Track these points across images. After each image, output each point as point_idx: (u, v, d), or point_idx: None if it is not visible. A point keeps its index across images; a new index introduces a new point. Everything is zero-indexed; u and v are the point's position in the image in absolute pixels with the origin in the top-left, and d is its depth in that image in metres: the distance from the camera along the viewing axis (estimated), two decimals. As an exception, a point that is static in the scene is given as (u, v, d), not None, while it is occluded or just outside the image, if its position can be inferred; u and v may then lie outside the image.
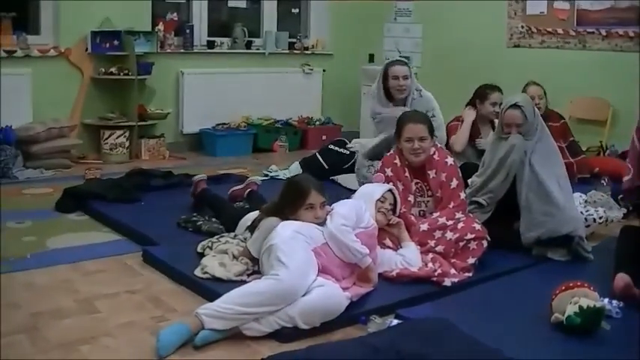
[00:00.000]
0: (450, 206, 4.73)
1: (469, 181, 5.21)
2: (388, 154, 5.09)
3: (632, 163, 4.58)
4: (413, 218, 4.74)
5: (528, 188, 4.90)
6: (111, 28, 7.93)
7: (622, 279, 4.04)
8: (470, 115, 6.48)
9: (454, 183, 4.80)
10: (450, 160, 4.91)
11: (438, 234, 4.57)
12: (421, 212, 4.88)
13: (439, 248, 4.52)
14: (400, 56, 8.58)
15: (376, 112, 6.25)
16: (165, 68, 8.41)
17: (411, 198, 4.84)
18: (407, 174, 4.86)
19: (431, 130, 4.88)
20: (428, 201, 4.87)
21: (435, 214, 4.72)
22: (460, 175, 4.92)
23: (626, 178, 4.59)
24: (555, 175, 4.99)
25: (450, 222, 4.59)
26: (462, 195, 4.83)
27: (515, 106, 5.01)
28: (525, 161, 4.92)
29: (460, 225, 4.56)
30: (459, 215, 4.65)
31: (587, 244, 4.89)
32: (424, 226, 4.62)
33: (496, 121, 6.15)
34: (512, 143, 4.94)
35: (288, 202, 4.16)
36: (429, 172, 4.85)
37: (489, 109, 6.38)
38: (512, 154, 4.93)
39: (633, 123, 7.12)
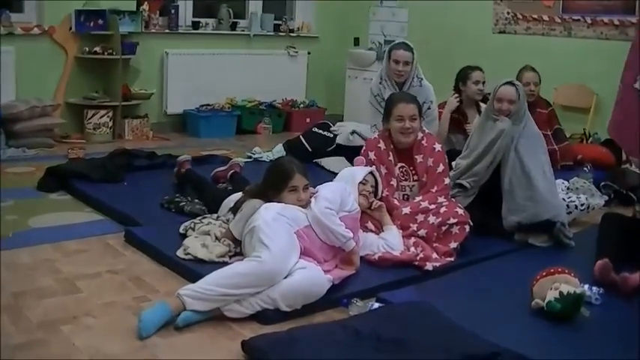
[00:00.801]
0: (433, 190, 4.75)
1: (453, 163, 5.23)
2: (372, 137, 5.11)
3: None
4: (396, 202, 4.76)
5: (512, 173, 4.92)
6: (95, 7, 7.88)
7: (599, 264, 4.09)
8: (450, 104, 6.48)
9: (440, 168, 4.82)
10: (437, 146, 4.93)
11: (420, 217, 4.59)
12: (405, 196, 4.89)
13: (421, 232, 4.54)
14: (386, 40, 8.59)
15: (381, 96, 6.16)
16: (149, 48, 8.37)
17: (394, 182, 4.85)
18: (391, 157, 4.88)
19: (420, 111, 4.91)
20: (413, 185, 4.89)
21: (418, 198, 4.74)
22: (447, 161, 4.94)
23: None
24: (540, 161, 5.01)
25: (433, 206, 4.61)
26: (447, 180, 4.85)
27: (510, 83, 5.06)
28: (511, 147, 4.93)
29: (443, 209, 4.57)
30: (441, 199, 4.66)
31: (569, 230, 4.92)
32: (406, 210, 4.64)
33: (482, 105, 6.19)
34: (502, 128, 4.95)
35: (272, 184, 4.16)
36: (416, 156, 4.87)
37: (473, 89, 6.37)
38: (500, 139, 4.94)
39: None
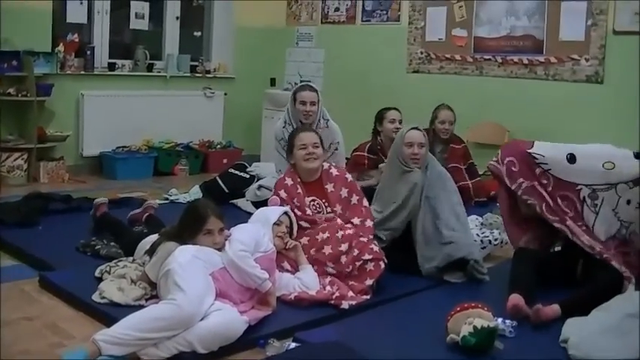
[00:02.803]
0: (356, 222, 4.82)
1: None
2: (279, 177, 5.17)
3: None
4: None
5: (425, 222, 5.01)
6: (9, 49, 7.79)
7: (511, 300, 4.19)
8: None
9: (355, 198, 4.93)
10: (349, 176, 5.04)
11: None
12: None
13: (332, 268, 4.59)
14: (302, 81, 8.69)
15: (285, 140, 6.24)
16: (65, 90, 8.31)
17: (309, 211, 4.89)
18: (299, 191, 4.92)
19: (322, 140, 5.02)
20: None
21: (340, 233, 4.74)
22: (359, 189, 5.05)
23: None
24: (450, 203, 5.11)
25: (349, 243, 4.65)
26: (365, 202, 4.95)
27: (415, 128, 5.16)
28: (422, 197, 5.04)
29: (358, 244, 4.62)
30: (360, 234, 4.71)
31: (484, 265, 5.00)
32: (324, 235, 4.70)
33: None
34: (415, 182, 5.03)
35: (187, 227, 4.17)
36: (326, 186, 4.94)
37: (389, 128, 6.47)
38: (413, 195, 5.02)
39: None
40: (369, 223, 4.82)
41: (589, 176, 4.68)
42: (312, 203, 4.93)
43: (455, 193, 5.23)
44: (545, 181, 4.75)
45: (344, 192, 4.95)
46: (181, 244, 4.04)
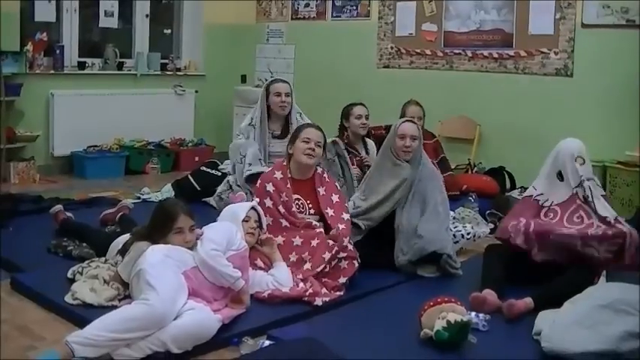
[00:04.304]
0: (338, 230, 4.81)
1: (350, 201, 5.29)
2: (268, 169, 5.17)
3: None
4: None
5: (407, 216, 5.06)
6: (-23, 49, 7.75)
7: (482, 294, 4.23)
8: None
9: (340, 207, 4.95)
10: (338, 184, 5.12)
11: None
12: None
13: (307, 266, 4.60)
14: (272, 77, 8.66)
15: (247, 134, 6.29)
16: (34, 89, 8.24)
17: (294, 209, 4.91)
18: (289, 186, 4.94)
19: (325, 143, 5.08)
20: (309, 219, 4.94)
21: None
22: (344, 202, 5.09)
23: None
24: (435, 201, 5.13)
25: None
26: (347, 217, 4.95)
27: (410, 120, 5.24)
28: (411, 192, 5.09)
29: (332, 242, 4.62)
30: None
31: (457, 259, 5.04)
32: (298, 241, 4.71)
33: (368, 141, 6.34)
34: (404, 177, 5.08)
35: (157, 227, 4.15)
36: (318, 188, 4.97)
37: (356, 123, 6.43)
38: (401, 189, 5.07)
39: (499, 141, 7.46)
40: (345, 241, 4.71)
41: (573, 179, 4.70)
42: (296, 202, 4.95)
43: (442, 193, 5.27)
44: (552, 215, 4.75)
45: (334, 197, 4.98)
46: (153, 243, 4.03)
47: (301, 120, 6.29)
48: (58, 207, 5.75)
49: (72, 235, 5.39)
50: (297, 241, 4.70)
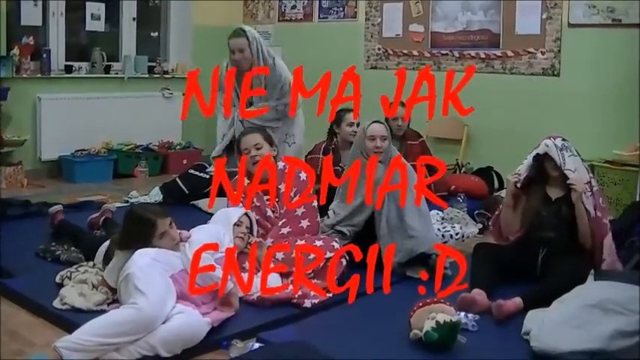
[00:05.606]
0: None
1: (330, 210, 5.28)
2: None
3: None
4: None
5: (387, 217, 5.03)
6: (-37, 53, 7.72)
7: (465, 298, 4.25)
8: None
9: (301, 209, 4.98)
10: (303, 175, 5.06)
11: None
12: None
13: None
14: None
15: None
16: (21, 93, 8.21)
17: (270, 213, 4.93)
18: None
19: (267, 139, 5.07)
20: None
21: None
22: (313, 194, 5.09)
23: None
24: (412, 197, 5.10)
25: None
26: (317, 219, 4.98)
27: (377, 121, 5.20)
28: (386, 194, 5.07)
29: (319, 243, 4.65)
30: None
31: (446, 260, 4.99)
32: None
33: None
34: (378, 177, 5.07)
35: (138, 237, 4.08)
36: (279, 186, 4.97)
37: (347, 130, 6.43)
38: (376, 189, 5.05)
39: (487, 142, 7.47)
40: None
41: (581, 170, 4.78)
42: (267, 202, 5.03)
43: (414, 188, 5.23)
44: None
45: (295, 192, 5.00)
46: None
47: (273, 66, 6.34)
48: (59, 207, 5.76)
49: (66, 237, 5.38)
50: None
